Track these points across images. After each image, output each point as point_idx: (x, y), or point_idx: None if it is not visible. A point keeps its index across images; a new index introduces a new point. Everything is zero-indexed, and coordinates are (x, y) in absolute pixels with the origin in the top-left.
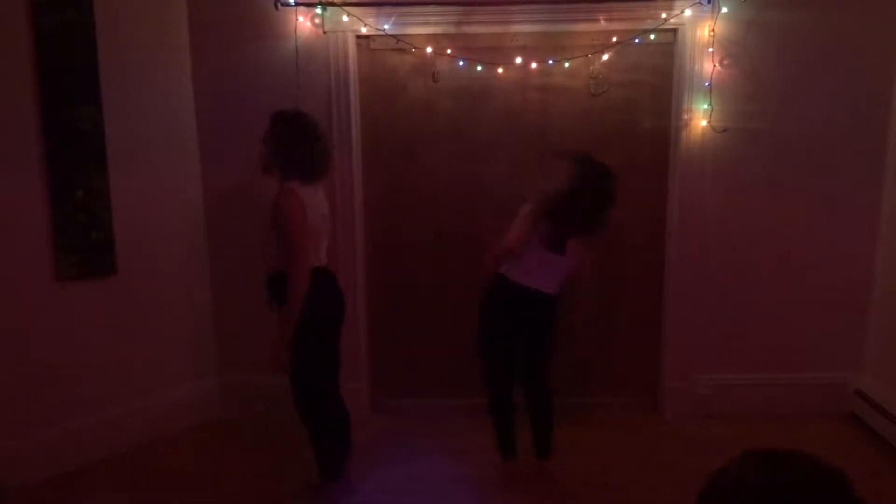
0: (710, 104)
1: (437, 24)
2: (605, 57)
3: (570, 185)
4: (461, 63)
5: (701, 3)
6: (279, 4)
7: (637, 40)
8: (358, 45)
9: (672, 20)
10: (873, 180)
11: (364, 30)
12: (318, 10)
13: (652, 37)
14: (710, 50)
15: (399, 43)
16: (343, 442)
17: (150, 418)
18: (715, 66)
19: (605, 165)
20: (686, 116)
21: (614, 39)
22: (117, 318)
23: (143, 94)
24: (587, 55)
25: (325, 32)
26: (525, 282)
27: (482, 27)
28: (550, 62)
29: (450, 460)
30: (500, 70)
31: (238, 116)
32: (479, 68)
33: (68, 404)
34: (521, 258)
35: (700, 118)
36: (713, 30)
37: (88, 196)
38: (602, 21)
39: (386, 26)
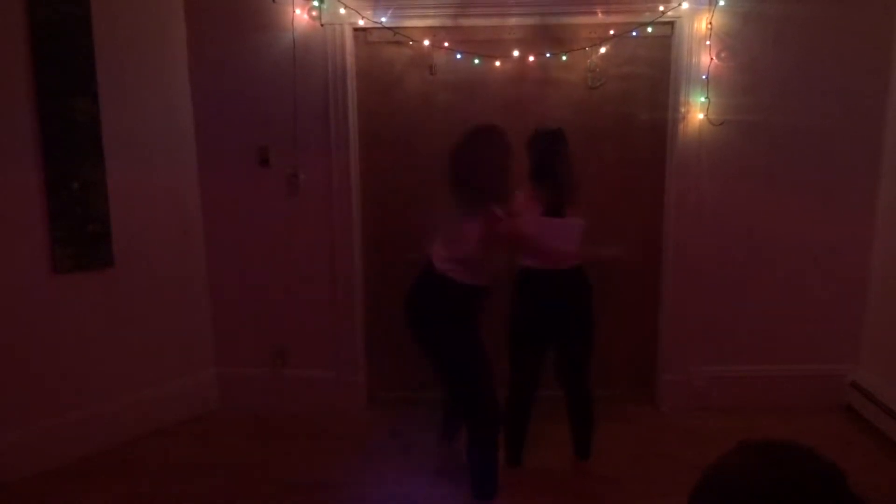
0: (707, 97)
1: (434, 16)
2: (603, 50)
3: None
4: (458, 56)
5: None
6: None
7: (634, 33)
8: (355, 37)
9: (669, 13)
10: (870, 172)
11: (361, 22)
12: (315, 3)
13: (649, 30)
14: (708, 43)
15: (396, 36)
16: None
17: (147, 410)
18: (712, 58)
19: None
20: (683, 109)
21: (612, 32)
22: (114, 311)
23: (139, 85)
24: (584, 48)
25: (322, 25)
26: (540, 263)
27: (480, 20)
28: (548, 55)
29: (447, 452)
30: (497, 63)
31: (234, 108)
32: (476, 61)
33: (65, 397)
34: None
35: (697, 111)
36: (710, 22)
37: (85, 188)
38: (599, 14)
39: (383, 19)
